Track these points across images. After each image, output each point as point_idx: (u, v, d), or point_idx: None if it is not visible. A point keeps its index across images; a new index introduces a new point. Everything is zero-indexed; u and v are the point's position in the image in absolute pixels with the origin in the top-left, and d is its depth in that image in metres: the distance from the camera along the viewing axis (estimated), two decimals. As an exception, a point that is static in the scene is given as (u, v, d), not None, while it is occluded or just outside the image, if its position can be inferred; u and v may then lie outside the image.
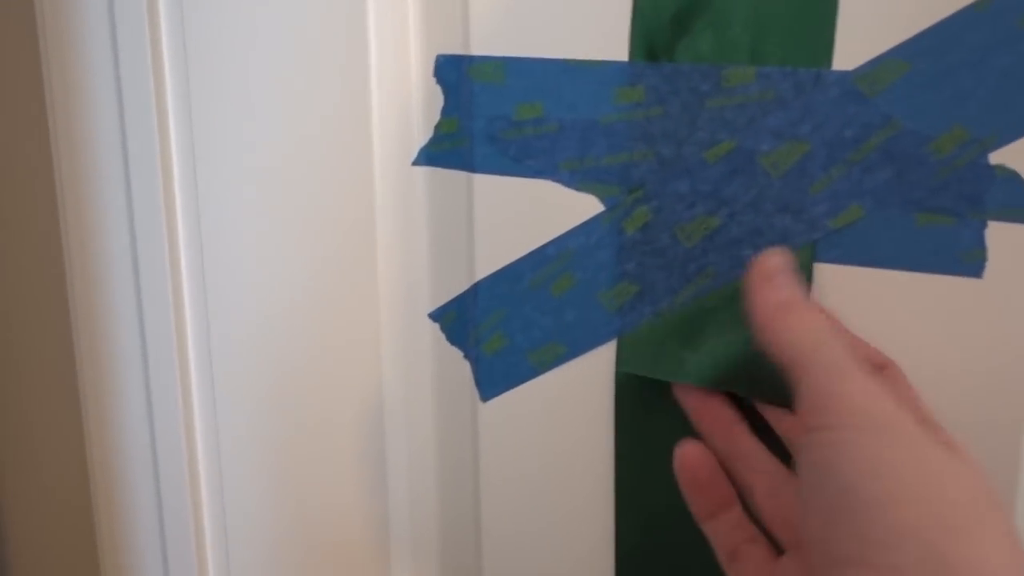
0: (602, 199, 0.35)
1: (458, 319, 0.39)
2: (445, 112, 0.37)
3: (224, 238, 0.40)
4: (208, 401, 0.42)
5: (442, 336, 0.39)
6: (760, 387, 0.34)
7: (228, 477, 0.43)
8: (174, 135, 0.40)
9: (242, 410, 0.42)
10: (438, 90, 0.37)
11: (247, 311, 0.40)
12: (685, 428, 0.36)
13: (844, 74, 0.31)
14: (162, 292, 0.41)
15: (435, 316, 0.39)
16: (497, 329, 0.37)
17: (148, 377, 0.43)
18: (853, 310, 0.33)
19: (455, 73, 0.36)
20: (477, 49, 0.35)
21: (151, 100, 0.39)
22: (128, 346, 0.43)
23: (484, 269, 0.37)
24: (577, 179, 0.35)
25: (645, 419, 0.36)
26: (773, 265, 0.30)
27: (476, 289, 0.37)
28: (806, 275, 0.33)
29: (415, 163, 0.38)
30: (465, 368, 0.39)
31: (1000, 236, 0.31)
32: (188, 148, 0.40)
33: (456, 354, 0.39)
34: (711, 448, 0.33)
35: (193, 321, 0.42)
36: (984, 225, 0.31)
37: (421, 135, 0.37)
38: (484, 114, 0.36)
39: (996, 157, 0.31)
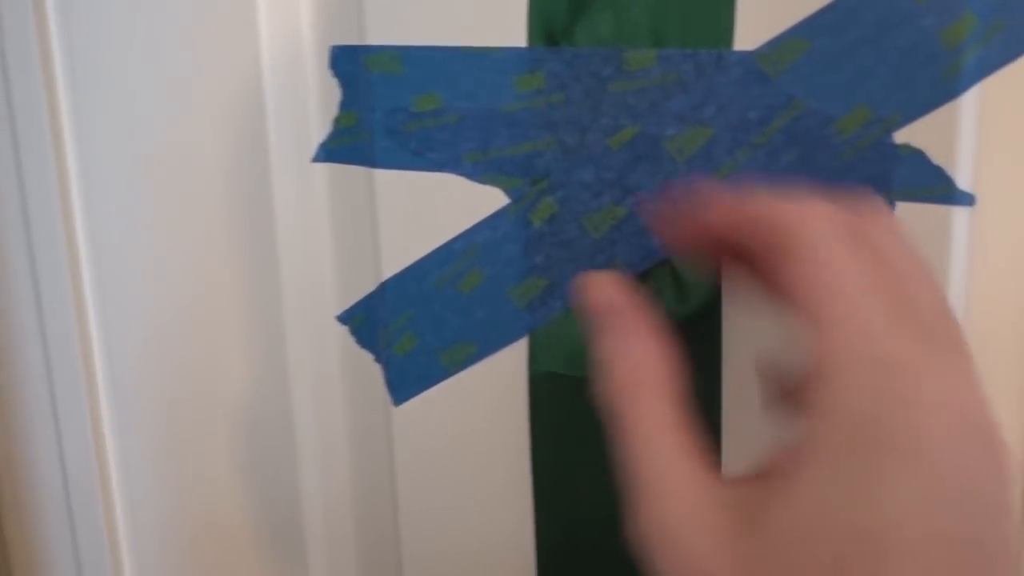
0: (507, 191, 0.34)
1: (367, 321, 0.37)
2: (343, 105, 0.35)
3: (118, 246, 0.38)
4: (112, 407, 0.40)
5: (351, 339, 0.37)
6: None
7: (137, 486, 0.41)
8: (66, 137, 0.38)
9: (146, 421, 0.40)
10: (335, 83, 0.35)
11: (146, 320, 0.39)
12: (603, 424, 0.35)
13: (746, 55, 0.30)
14: (62, 297, 0.39)
15: (343, 319, 0.37)
16: (407, 330, 0.36)
17: (52, 384, 0.41)
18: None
19: (351, 64, 0.35)
20: (373, 39, 0.34)
21: (41, 100, 0.37)
22: (31, 358, 0.41)
23: (391, 268, 0.36)
24: (480, 171, 0.34)
25: (561, 416, 0.35)
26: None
27: (383, 289, 0.36)
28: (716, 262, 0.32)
29: (314, 160, 0.36)
30: (376, 371, 0.37)
31: (908, 217, 0.30)
32: (76, 153, 0.38)
33: (366, 357, 0.37)
34: None
35: (95, 330, 0.40)
36: (891, 206, 0.31)
37: (319, 131, 0.36)
38: (383, 106, 0.34)
39: (900, 136, 0.30)
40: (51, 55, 0.37)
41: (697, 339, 0.33)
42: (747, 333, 0.33)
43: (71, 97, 0.37)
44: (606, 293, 0.27)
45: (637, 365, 0.26)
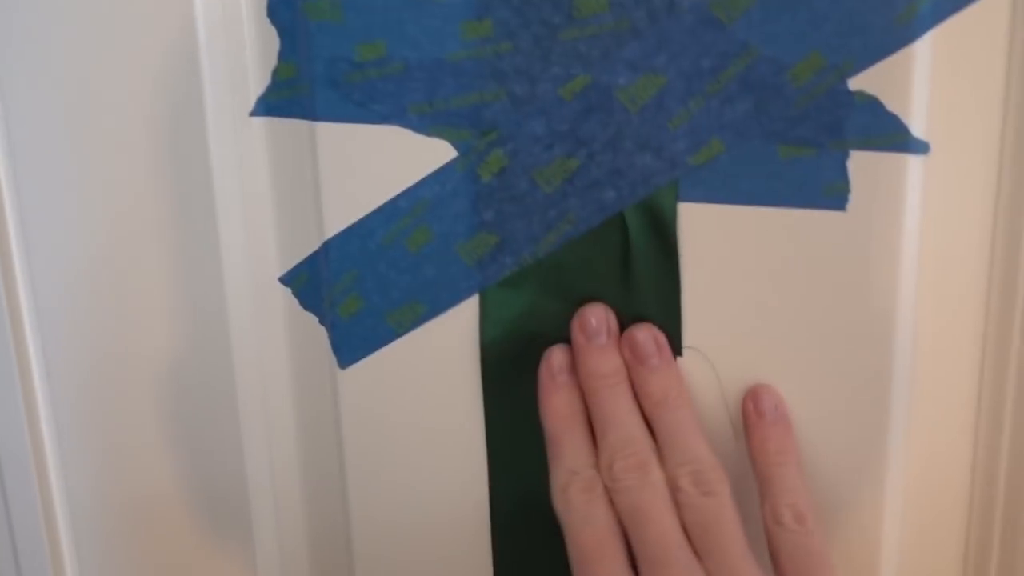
0: (455, 144, 0.33)
1: (310, 281, 0.36)
2: (282, 56, 0.34)
3: (46, 205, 0.36)
4: (44, 375, 0.38)
5: (294, 301, 0.36)
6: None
7: (72, 459, 0.39)
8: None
9: (81, 388, 0.38)
10: (273, 32, 0.33)
11: (79, 284, 0.37)
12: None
13: (699, 0, 0.30)
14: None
15: (285, 280, 0.36)
16: (352, 290, 0.35)
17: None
18: (719, 249, 0.32)
19: (289, 12, 0.33)
20: (312, -16, 0.32)
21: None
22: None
23: (334, 226, 0.34)
24: (427, 123, 0.33)
25: (514, 379, 0.34)
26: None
27: (326, 248, 0.34)
28: (671, 215, 0.32)
29: (253, 114, 0.34)
30: (321, 334, 0.36)
31: (863, 166, 0.30)
32: (1, 111, 0.35)
33: (311, 319, 0.36)
34: None
35: (24, 296, 0.38)
36: (846, 155, 0.30)
37: (257, 83, 0.34)
38: (323, 56, 0.33)
39: (855, 83, 0.29)
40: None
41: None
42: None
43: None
44: None
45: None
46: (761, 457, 0.31)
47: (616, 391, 0.32)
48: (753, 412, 0.32)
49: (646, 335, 0.32)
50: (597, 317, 0.32)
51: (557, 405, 0.32)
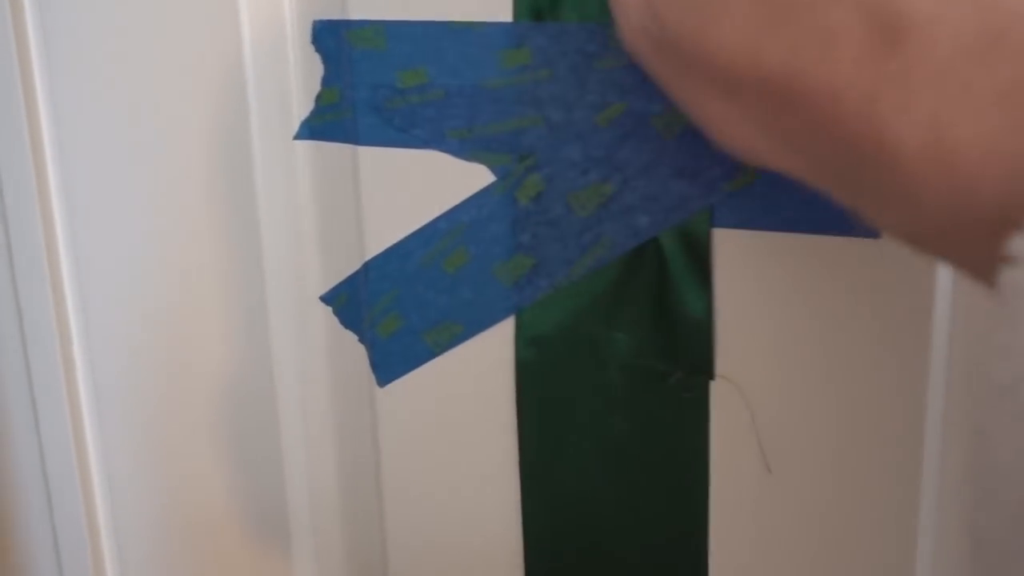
0: (493, 168, 0.33)
1: (350, 301, 0.37)
2: (326, 81, 0.35)
3: (97, 228, 0.37)
4: (91, 394, 0.39)
5: (335, 320, 0.37)
6: (673, 355, 0.33)
7: (118, 474, 0.40)
8: (43, 124, 0.37)
9: (126, 405, 0.39)
10: (317, 58, 0.34)
11: (127, 302, 0.38)
12: (590, 405, 0.35)
13: (734, 30, 0.30)
14: (40, 286, 0.39)
15: (327, 299, 0.37)
16: (391, 310, 0.36)
17: (31, 377, 0.40)
18: (753, 275, 0.32)
19: (333, 39, 0.34)
20: (355, 12, 0.33)
21: (16, 78, 0.37)
22: (8, 343, 0.40)
23: (375, 247, 0.35)
24: (466, 148, 0.33)
25: (549, 400, 0.35)
26: None
27: (366, 269, 0.35)
28: (704, 241, 0.32)
29: (297, 137, 0.35)
30: (361, 352, 0.37)
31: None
32: (52, 133, 0.37)
33: (351, 338, 0.37)
34: None
35: (73, 314, 0.39)
36: (881, 183, 0.30)
37: (302, 107, 0.35)
38: (366, 82, 0.34)
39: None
40: (26, 36, 0.36)
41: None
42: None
43: (47, 77, 0.37)
44: None
45: None
46: None
47: None
48: None
49: None
50: None
51: None
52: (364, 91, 0.34)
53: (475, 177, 0.33)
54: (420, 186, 0.34)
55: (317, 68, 0.34)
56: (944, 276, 0.30)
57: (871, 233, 0.31)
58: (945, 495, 0.33)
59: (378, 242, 0.35)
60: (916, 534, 0.32)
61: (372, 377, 0.36)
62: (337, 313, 0.37)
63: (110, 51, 0.35)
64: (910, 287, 0.30)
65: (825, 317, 0.31)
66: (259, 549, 0.40)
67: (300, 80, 0.35)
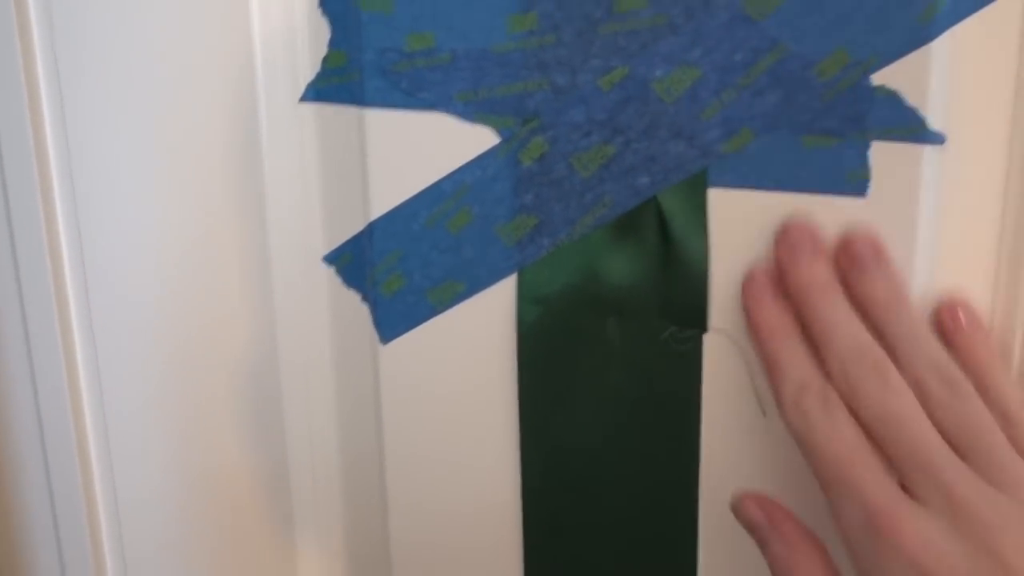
0: (498, 131, 0.34)
1: (354, 261, 0.37)
2: (332, 44, 0.35)
3: (100, 182, 0.38)
4: (90, 354, 0.39)
5: (338, 279, 0.38)
6: (669, 310, 0.35)
7: (116, 435, 0.40)
8: (43, 86, 0.37)
9: (128, 364, 0.39)
10: (324, 21, 0.35)
11: (128, 259, 0.38)
12: (588, 360, 0.36)
13: (732, -2, 0.32)
14: (37, 240, 0.39)
15: (330, 259, 0.38)
16: (395, 269, 0.37)
17: (28, 330, 0.40)
18: (745, 233, 0.34)
19: (341, 2, 0.35)
20: (364, -23, 0.34)
21: (16, 50, 0.37)
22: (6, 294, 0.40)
23: (379, 208, 0.36)
24: (472, 111, 0.34)
25: (548, 356, 0.36)
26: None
27: (371, 229, 0.36)
28: (701, 200, 0.34)
29: (303, 99, 0.36)
30: (364, 311, 0.38)
31: (883, 156, 0.32)
32: (56, 95, 0.37)
33: (354, 297, 0.38)
34: None
35: (71, 269, 0.39)
36: (867, 146, 0.32)
37: (308, 69, 0.36)
38: (374, 46, 0.34)
39: (877, 78, 0.32)
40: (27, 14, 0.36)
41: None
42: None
43: (48, 38, 0.37)
44: (764, 509, 0.32)
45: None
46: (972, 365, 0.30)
47: (834, 298, 0.30)
48: (949, 322, 0.31)
49: (863, 240, 0.30)
50: (799, 229, 0.31)
51: (768, 318, 0.31)
52: (371, 54, 0.35)
53: (479, 139, 0.35)
54: (425, 148, 0.35)
55: (324, 31, 0.35)
56: (924, 231, 0.32)
57: (857, 192, 0.33)
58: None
59: (383, 203, 0.36)
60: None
61: (375, 335, 0.37)
62: (340, 272, 0.38)
63: (114, 14, 0.36)
64: (892, 241, 0.33)
65: (814, 272, 0.33)
66: (260, 506, 0.41)
67: (307, 42, 0.36)
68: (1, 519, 0.42)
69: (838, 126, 0.32)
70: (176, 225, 0.38)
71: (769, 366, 0.31)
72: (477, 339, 0.37)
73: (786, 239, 0.32)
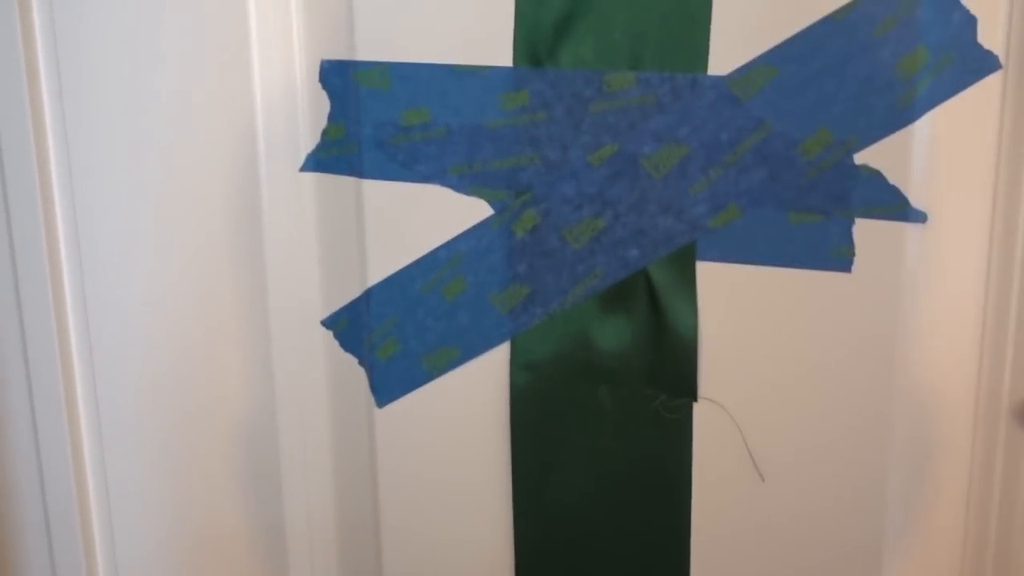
0: (491, 203, 0.35)
1: (351, 325, 0.38)
2: (332, 118, 0.36)
3: (107, 251, 0.39)
4: (93, 417, 0.40)
5: (336, 343, 0.39)
6: (659, 379, 0.35)
7: (116, 493, 0.41)
8: (52, 148, 0.38)
9: (130, 428, 0.40)
10: (324, 95, 0.36)
11: (133, 324, 0.39)
12: (580, 427, 0.37)
13: (719, 79, 0.33)
14: (44, 311, 0.39)
15: (328, 323, 0.39)
16: (391, 334, 0.37)
17: (32, 393, 0.41)
18: (733, 306, 0.34)
19: (341, 78, 0.36)
20: (362, 54, 0.35)
21: (25, 106, 0.38)
22: (14, 376, 0.41)
23: (376, 275, 0.37)
24: (466, 183, 0.35)
25: (540, 421, 0.37)
26: None
27: (368, 295, 0.37)
28: (690, 273, 0.34)
29: (303, 169, 0.37)
30: (360, 375, 0.38)
31: (867, 232, 0.33)
32: (65, 163, 0.38)
33: (351, 361, 0.39)
34: None
35: (77, 339, 0.40)
36: (851, 222, 0.33)
37: (308, 141, 0.37)
38: (372, 120, 0.36)
39: (860, 157, 0.32)
40: (39, 83, 0.37)
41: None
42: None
43: (58, 106, 0.38)
44: None
45: None
46: None
47: None
48: None
49: None
50: None
51: None
52: (369, 128, 0.36)
53: (474, 210, 0.36)
54: (421, 218, 0.36)
55: (324, 105, 0.36)
56: (907, 305, 0.33)
57: (842, 267, 0.33)
58: (909, 490, 0.35)
59: (380, 270, 0.37)
60: (883, 528, 0.35)
61: (371, 399, 0.38)
62: (338, 337, 0.39)
63: (124, 79, 0.37)
64: (877, 315, 0.33)
65: (800, 342, 0.34)
66: (258, 564, 0.41)
67: (308, 116, 0.37)
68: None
69: (823, 203, 0.33)
70: (178, 289, 0.38)
71: None
72: (471, 404, 0.37)
73: None
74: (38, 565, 0.43)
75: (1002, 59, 0.31)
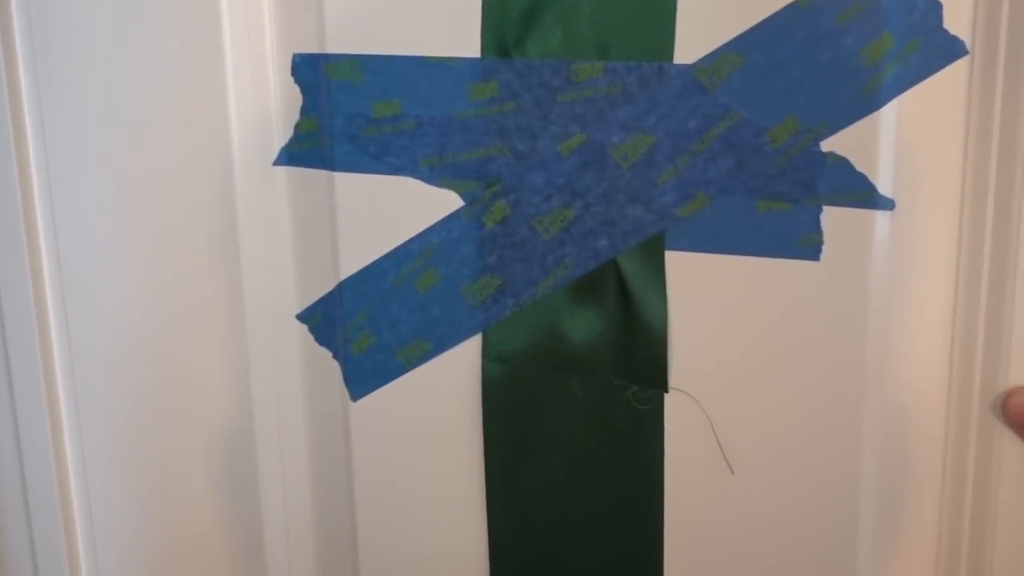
0: (461, 194, 0.35)
1: (325, 319, 0.38)
2: (304, 111, 0.37)
3: (81, 245, 0.39)
4: (72, 409, 0.40)
5: (310, 337, 0.39)
6: (630, 370, 0.35)
7: (95, 489, 0.41)
8: (30, 140, 0.38)
9: (107, 420, 0.40)
10: (296, 89, 0.36)
11: (108, 318, 0.39)
12: (552, 419, 0.37)
13: (685, 67, 0.33)
14: (23, 296, 0.40)
15: (302, 317, 0.39)
16: (364, 328, 0.37)
17: (12, 383, 0.41)
18: (702, 295, 0.34)
19: (312, 72, 0.36)
20: (333, 47, 0.35)
21: (4, 100, 0.38)
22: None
23: (349, 268, 0.37)
24: (436, 175, 0.35)
25: (513, 413, 0.37)
26: None
27: (341, 288, 0.37)
28: (659, 263, 0.34)
29: (276, 163, 0.37)
30: (334, 368, 0.38)
31: (835, 220, 0.33)
32: (42, 153, 0.38)
33: (325, 355, 0.39)
34: None
35: (56, 328, 0.40)
36: (819, 210, 0.33)
37: (281, 135, 0.37)
38: (343, 112, 0.36)
39: (827, 145, 0.32)
40: (15, 60, 0.38)
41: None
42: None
43: (35, 93, 0.38)
44: None
45: None
46: None
47: None
48: None
49: None
50: None
51: None
52: (340, 120, 0.36)
53: (444, 202, 0.36)
54: (393, 210, 0.36)
55: (296, 98, 0.36)
56: (876, 292, 0.33)
57: (811, 256, 0.33)
58: (883, 482, 0.35)
59: (352, 263, 0.37)
60: (856, 520, 0.35)
61: (345, 392, 0.38)
62: (312, 331, 0.39)
63: (96, 71, 0.37)
64: (845, 303, 0.33)
65: (770, 331, 0.34)
66: (233, 565, 0.41)
67: (280, 109, 0.37)
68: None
69: (791, 191, 0.33)
70: (150, 283, 0.39)
71: None
72: (444, 396, 0.37)
73: None
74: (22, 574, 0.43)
75: (968, 45, 0.31)
